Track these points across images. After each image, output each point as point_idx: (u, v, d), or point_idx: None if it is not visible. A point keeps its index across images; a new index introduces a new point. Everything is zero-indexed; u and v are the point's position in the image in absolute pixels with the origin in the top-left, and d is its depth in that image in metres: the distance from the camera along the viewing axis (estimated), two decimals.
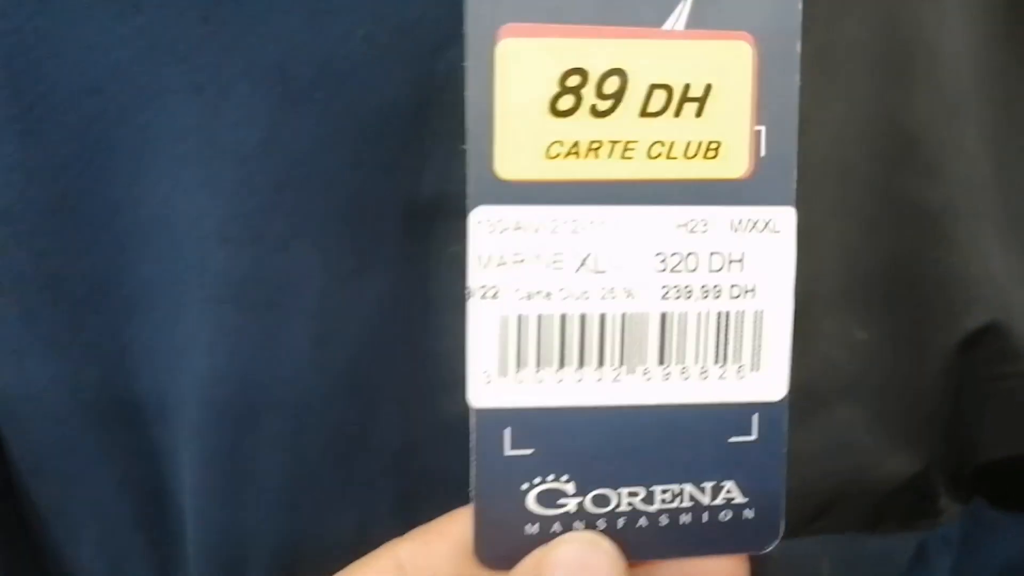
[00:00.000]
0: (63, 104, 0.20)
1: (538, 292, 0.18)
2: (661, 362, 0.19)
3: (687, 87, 0.18)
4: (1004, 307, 0.26)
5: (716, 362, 0.19)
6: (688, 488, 0.19)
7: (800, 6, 0.18)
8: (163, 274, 0.22)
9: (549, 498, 0.19)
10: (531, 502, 0.19)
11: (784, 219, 0.19)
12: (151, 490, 0.24)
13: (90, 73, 0.20)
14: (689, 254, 0.18)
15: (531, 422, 0.19)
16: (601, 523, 0.19)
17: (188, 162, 0.21)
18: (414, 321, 0.22)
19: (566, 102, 0.17)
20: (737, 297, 0.19)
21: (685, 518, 0.19)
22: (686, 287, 0.19)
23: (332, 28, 0.20)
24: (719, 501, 0.19)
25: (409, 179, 0.21)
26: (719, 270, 0.19)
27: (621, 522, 0.19)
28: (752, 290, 0.19)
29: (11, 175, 0.21)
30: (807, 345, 0.26)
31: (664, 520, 0.19)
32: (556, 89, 0.17)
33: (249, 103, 0.20)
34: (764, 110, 0.18)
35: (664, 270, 0.18)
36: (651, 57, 0.18)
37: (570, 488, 0.19)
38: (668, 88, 0.18)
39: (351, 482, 0.24)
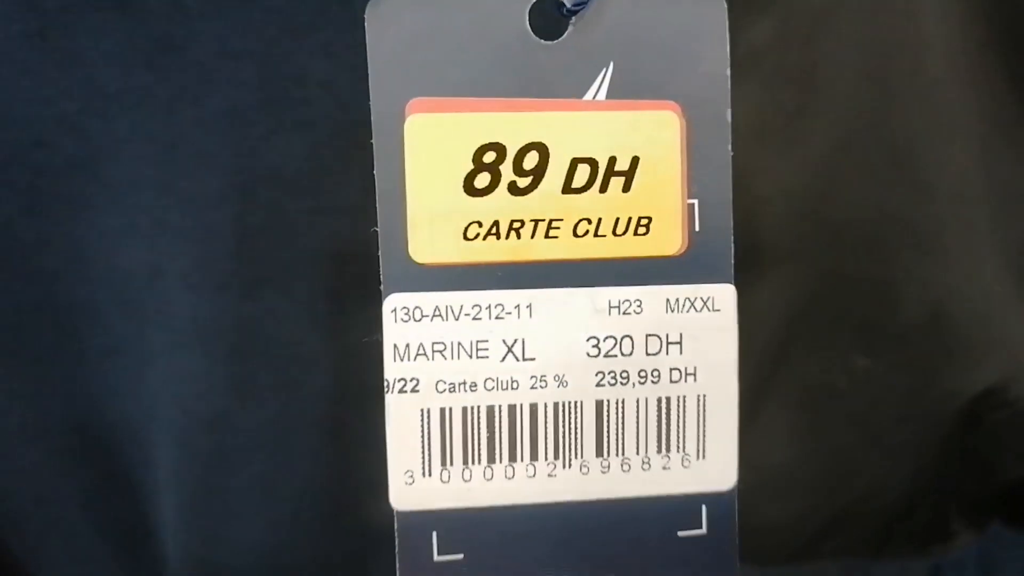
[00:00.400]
0: (7, 159, 0.20)
1: (462, 383, 0.17)
2: (599, 454, 0.17)
3: (612, 160, 0.17)
4: (1006, 327, 0.25)
5: (659, 451, 0.18)
6: None
7: (728, 72, 0.17)
8: (128, 322, 0.21)
9: None
10: None
11: (723, 296, 0.18)
12: (129, 530, 0.24)
13: (35, 126, 0.20)
14: (624, 337, 0.17)
15: (460, 525, 0.17)
16: None
17: (146, 211, 0.20)
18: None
19: (483, 180, 0.16)
20: (677, 381, 0.18)
21: None
22: (622, 372, 0.17)
23: (286, 71, 0.20)
24: None
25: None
26: (656, 353, 0.17)
27: None
28: (693, 373, 0.18)
29: None
30: (805, 370, 0.26)
31: None
32: (471, 166, 0.16)
33: (205, 150, 0.20)
34: (696, 182, 0.17)
35: (598, 355, 0.17)
36: (572, 130, 0.17)
37: None
38: (592, 162, 0.17)
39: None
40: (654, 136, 0.17)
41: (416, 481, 0.17)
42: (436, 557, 0.17)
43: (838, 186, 0.24)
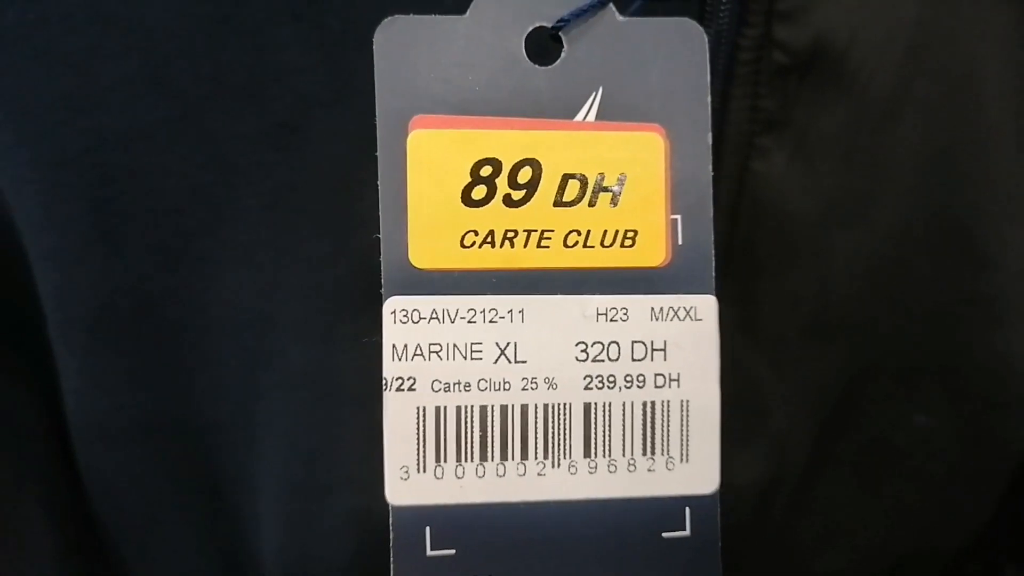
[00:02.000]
0: (144, 224, 0.22)
1: (456, 383, 0.18)
2: (587, 454, 0.18)
3: (601, 177, 0.18)
4: None
5: (644, 454, 0.18)
6: None
7: (709, 99, 0.18)
8: (239, 366, 0.24)
9: None
10: None
11: (705, 307, 0.19)
12: (231, 551, 0.27)
13: (173, 195, 0.22)
14: (611, 343, 0.18)
15: (453, 520, 0.18)
16: None
17: (262, 269, 0.23)
18: None
19: (479, 192, 0.18)
20: (662, 387, 0.18)
21: None
22: (609, 376, 0.18)
23: None
24: None
25: None
26: (642, 359, 0.18)
27: None
28: (677, 379, 0.18)
29: (94, 289, 0.23)
30: (867, 430, 0.27)
31: None
32: (469, 179, 0.18)
33: (321, 219, 0.22)
34: (679, 200, 0.18)
35: (586, 359, 0.18)
36: (563, 148, 0.18)
37: None
38: (582, 178, 0.18)
39: None
40: (640, 156, 0.18)
41: (411, 477, 0.18)
42: (429, 552, 0.18)
43: (904, 262, 0.25)
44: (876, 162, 0.24)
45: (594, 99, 0.18)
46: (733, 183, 0.25)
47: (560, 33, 0.18)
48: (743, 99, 0.24)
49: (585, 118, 0.18)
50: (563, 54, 0.18)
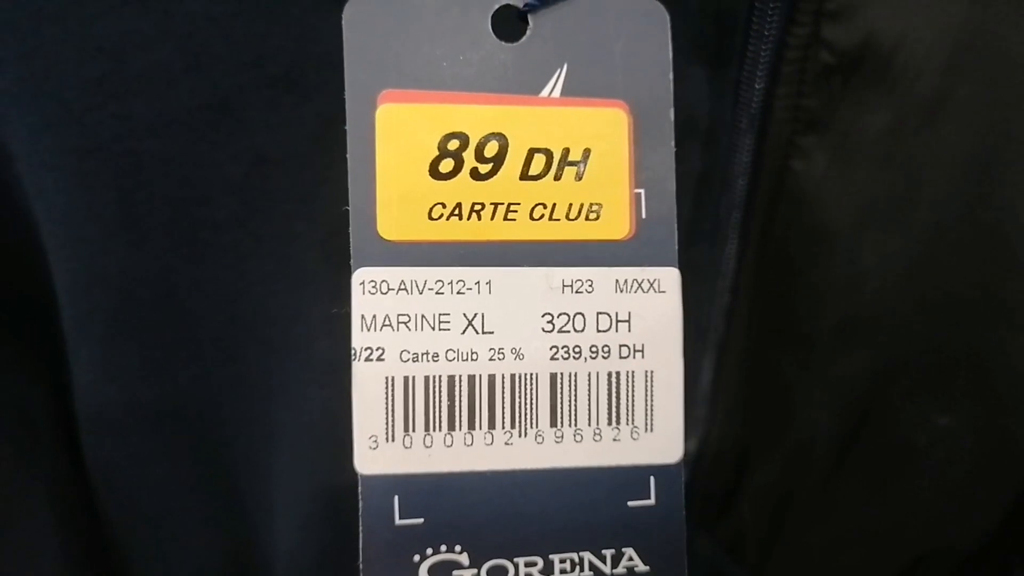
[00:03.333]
0: (172, 214, 0.22)
1: (424, 353, 0.18)
2: (553, 424, 0.19)
3: (566, 151, 0.18)
4: None
5: (609, 423, 0.19)
6: (588, 556, 0.19)
7: (671, 76, 0.19)
8: (261, 359, 0.24)
9: (442, 571, 0.18)
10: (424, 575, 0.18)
11: (668, 279, 0.19)
12: (244, 547, 0.27)
13: (199, 186, 0.22)
14: (576, 314, 0.19)
15: (421, 489, 0.18)
16: None
17: (293, 262, 0.23)
18: None
19: (447, 165, 0.18)
20: (626, 357, 0.19)
21: None
22: (575, 347, 0.19)
23: None
24: (620, 570, 0.19)
25: None
26: (607, 330, 0.19)
27: None
28: (641, 350, 0.19)
29: (116, 279, 0.23)
30: (889, 429, 0.28)
31: None
32: (437, 152, 0.18)
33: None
34: (642, 174, 0.19)
35: (552, 330, 0.19)
36: (529, 123, 0.18)
37: (464, 559, 0.18)
38: (548, 152, 0.18)
39: None
40: (604, 131, 0.19)
41: (380, 446, 0.18)
42: (398, 520, 0.18)
43: (936, 265, 0.26)
44: (914, 164, 0.25)
45: (559, 75, 0.18)
46: (772, 181, 0.25)
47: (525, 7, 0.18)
48: (787, 98, 0.24)
49: (550, 94, 0.18)
50: (528, 31, 0.18)
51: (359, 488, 0.18)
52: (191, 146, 0.21)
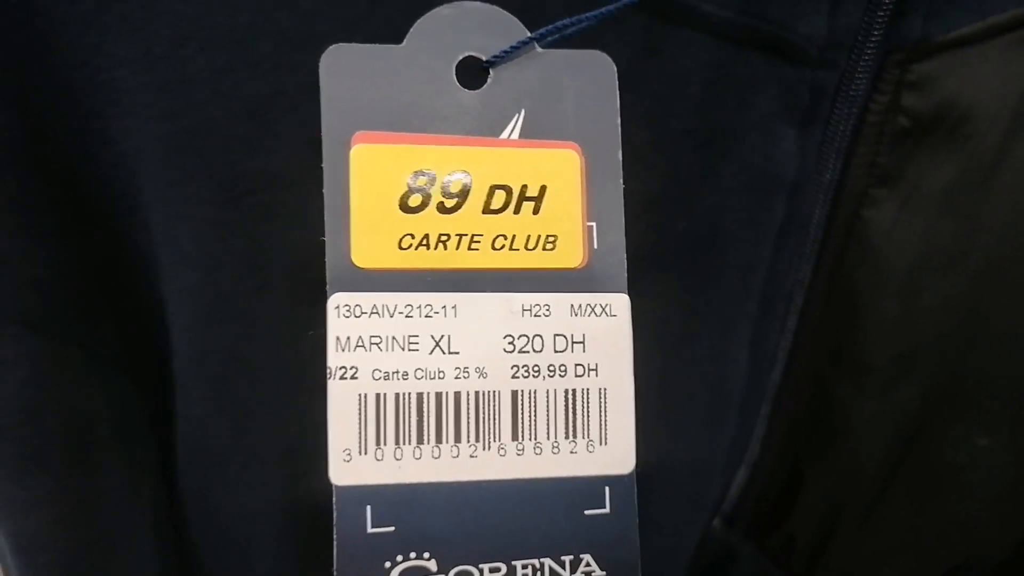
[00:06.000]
0: (295, 260, 0.23)
1: (395, 372, 0.20)
2: (515, 438, 0.20)
3: (524, 188, 0.20)
4: None
5: (567, 437, 0.20)
6: (548, 563, 0.20)
7: (619, 120, 0.21)
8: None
9: None
10: None
11: (619, 304, 0.21)
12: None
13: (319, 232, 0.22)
14: (535, 335, 0.20)
15: (392, 499, 0.19)
16: None
17: None
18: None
19: (415, 200, 0.20)
20: (581, 376, 0.20)
21: None
22: (534, 366, 0.20)
23: None
24: (578, 575, 0.20)
25: None
26: (563, 351, 0.20)
27: None
28: (595, 369, 0.21)
29: (236, 321, 0.24)
30: (934, 450, 0.30)
31: None
32: (406, 188, 0.20)
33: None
34: (594, 208, 0.21)
35: (513, 351, 0.20)
36: (490, 162, 0.20)
37: (432, 566, 0.20)
38: (508, 188, 0.20)
39: None
40: (558, 170, 0.20)
41: (353, 459, 0.19)
42: (370, 529, 0.19)
43: (988, 303, 0.28)
44: (973, 214, 0.27)
45: (517, 119, 0.20)
46: (845, 228, 0.28)
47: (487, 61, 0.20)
48: (864, 156, 0.27)
49: (510, 136, 0.20)
50: (489, 79, 0.20)
51: (333, 498, 0.19)
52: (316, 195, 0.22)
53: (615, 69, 0.21)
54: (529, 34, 0.20)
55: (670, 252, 0.27)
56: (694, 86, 0.25)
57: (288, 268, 0.24)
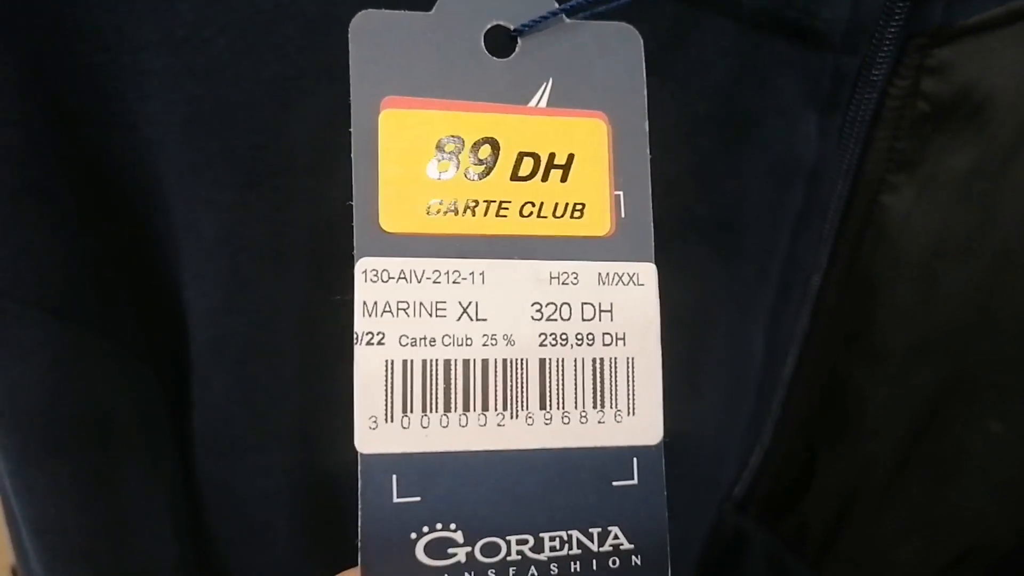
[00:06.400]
0: (317, 243, 0.23)
1: (422, 338, 0.19)
2: (542, 406, 0.20)
3: (552, 156, 0.20)
4: None
5: (595, 406, 0.20)
6: (576, 535, 0.20)
7: (645, 91, 0.21)
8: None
9: (438, 548, 0.19)
10: (420, 553, 0.19)
11: (646, 273, 0.21)
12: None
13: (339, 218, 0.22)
14: (563, 304, 0.20)
15: (418, 468, 0.19)
16: (491, 574, 0.19)
17: None
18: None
19: (444, 166, 0.20)
20: (609, 344, 0.20)
21: (575, 566, 0.20)
22: (562, 335, 0.20)
23: None
24: (607, 547, 0.20)
25: None
26: (591, 319, 0.20)
27: (512, 572, 0.19)
28: (623, 338, 0.20)
29: (257, 305, 0.24)
30: (948, 435, 0.30)
31: (554, 569, 0.20)
32: (434, 154, 0.20)
33: None
34: (621, 177, 0.21)
35: (541, 319, 0.20)
36: (519, 129, 0.20)
37: (459, 537, 0.19)
38: (536, 156, 0.20)
39: None
40: (586, 139, 0.20)
41: (379, 427, 0.19)
42: (395, 498, 0.19)
43: (1004, 288, 0.28)
44: (990, 199, 0.27)
45: (545, 88, 0.20)
46: (863, 214, 0.28)
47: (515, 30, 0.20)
48: (883, 140, 0.27)
49: (538, 104, 0.20)
50: (517, 49, 0.20)
51: (359, 467, 0.19)
52: (340, 181, 0.22)
53: (642, 42, 0.21)
54: (558, 5, 0.20)
55: (690, 235, 0.27)
56: (719, 71, 0.25)
57: (309, 253, 0.24)
